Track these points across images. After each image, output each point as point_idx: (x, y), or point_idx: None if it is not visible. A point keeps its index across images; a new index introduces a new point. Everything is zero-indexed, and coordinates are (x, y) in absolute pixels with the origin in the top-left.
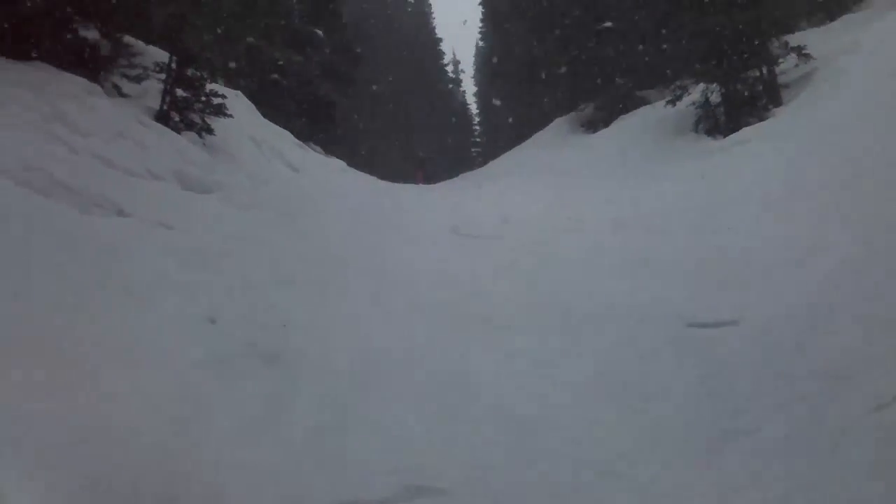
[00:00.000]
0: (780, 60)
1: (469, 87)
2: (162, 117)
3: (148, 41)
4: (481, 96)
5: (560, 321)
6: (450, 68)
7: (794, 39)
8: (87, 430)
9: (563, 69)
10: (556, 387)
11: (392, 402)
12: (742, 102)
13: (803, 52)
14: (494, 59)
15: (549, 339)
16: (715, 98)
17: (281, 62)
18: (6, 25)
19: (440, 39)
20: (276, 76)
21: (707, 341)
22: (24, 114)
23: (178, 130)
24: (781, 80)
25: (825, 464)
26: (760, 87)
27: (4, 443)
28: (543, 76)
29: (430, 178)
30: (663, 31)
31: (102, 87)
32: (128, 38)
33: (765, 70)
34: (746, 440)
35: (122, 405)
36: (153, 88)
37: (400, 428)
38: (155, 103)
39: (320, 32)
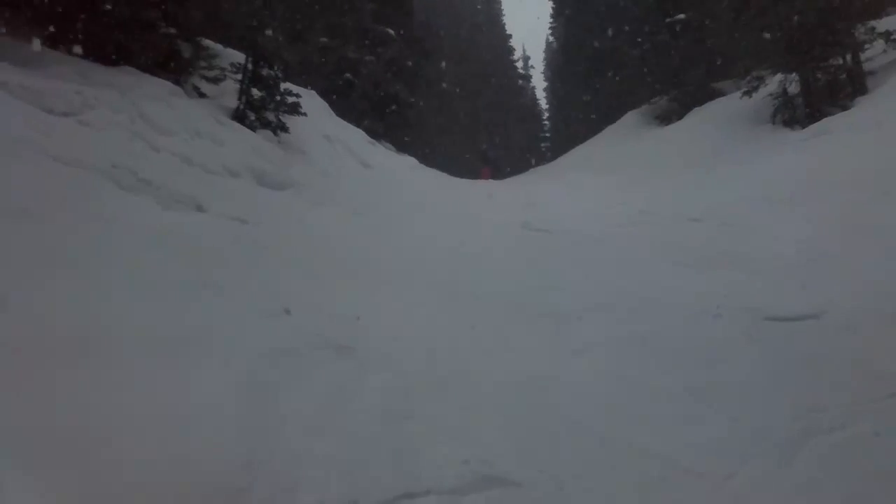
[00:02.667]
0: (866, 46)
1: (539, 83)
2: (238, 116)
3: (226, 44)
4: (551, 91)
5: (633, 316)
6: (519, 64)
7: (881, 24)
8: (161, 418)
9: (635, 62)
10: (630, 383)
11: (463, 396)
12: (823, 92)
13: (892, 37)
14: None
15: (622, 334)
16: (793, 88)
17: (353, 61)
18: (96, 32)
19: (510, 35)
20: (348, 75)
21: (786, 335)
22: (111, 115)
23: (253, 129)
24: (867, 67)
25: None
26: (844, 75)
27: (105, 417)
28: (615, 69)
29: (496, 174)
30: (741, 19)
31: (183, 88)
32: (206, 42)
33: (849, 57)
34: (830, 438)
35: (195, 393)
36: (230, 89)
37: (471, 421)
38: (232, 103)
39: (391, 31)
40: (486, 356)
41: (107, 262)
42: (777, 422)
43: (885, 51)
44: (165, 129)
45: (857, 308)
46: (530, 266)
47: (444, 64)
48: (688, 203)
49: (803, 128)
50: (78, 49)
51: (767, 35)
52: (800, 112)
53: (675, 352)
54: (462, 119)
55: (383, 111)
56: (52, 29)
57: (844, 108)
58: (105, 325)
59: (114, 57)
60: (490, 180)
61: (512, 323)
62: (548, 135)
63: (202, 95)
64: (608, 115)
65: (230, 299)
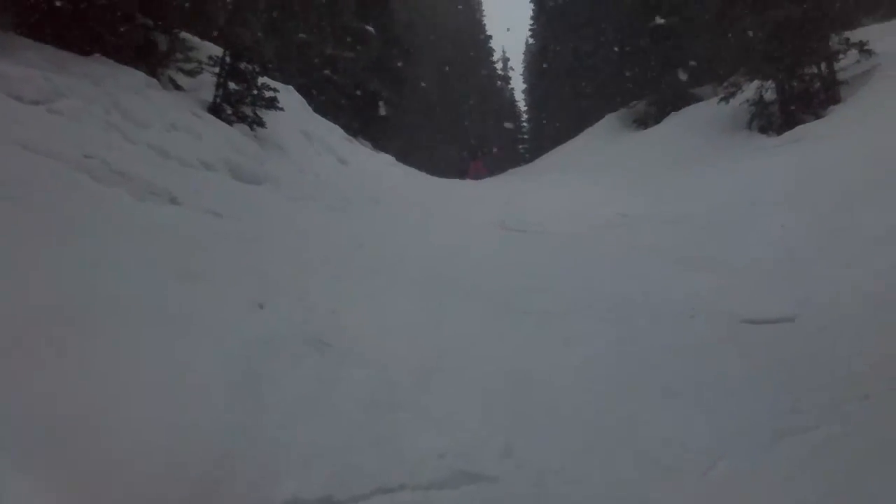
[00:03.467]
0: (840, 56)
1: (518, 84)
2: (215, 110)
3: (203, 37)
4: (530, 93)
5: (612, 316)
6: (499, 65)
7: (855, 35)
8: (139, 406)
9: (614, 65)
10: (608, 380)
11: (443, 390)
12: (798, 100)
13: (865, 47)
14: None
15: (601, 334)
16: (770, 95)
17: (332, 58)
18: (71, 21)
19: (490, 37)
20: (327, 72)
21: (762, 338)
22: (84, 105)
23: (230, 123)
24: (841, 76)
25: (888, 460)
26: (818, 84)
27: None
28: (594, 72)
29: (486, 170)
30: (718, 27)
31: (159, 80)
32: (184, 34)
33: (823, 66)
34: (803, 437)
35: (171, 383)
36: (207, 82)
37: (450, 415)
38: (209, 96)
39: (371, 29)
40: (468, 352)
41: (80, 250)
42: (754, 421)
43: (858, 61)
44: (141, 120)
45: (831, 311)
46: (511, 265)
47: (423, 62)
48: (666, 206)
49: (778, 134)
50: (49, 37)
51: (750, 34)
52: (775, 119)
53: (653, 352)
54: (441, 118)
55: (361, 109)
56: (22, 15)
57: (818, 116)
58: (79, 312)
59: (88, 47)
60: (480, 177)
61: (494, 320)
62: (526, 136)
63: (178, 88)
64: (586, 118)
65: (206, 290)
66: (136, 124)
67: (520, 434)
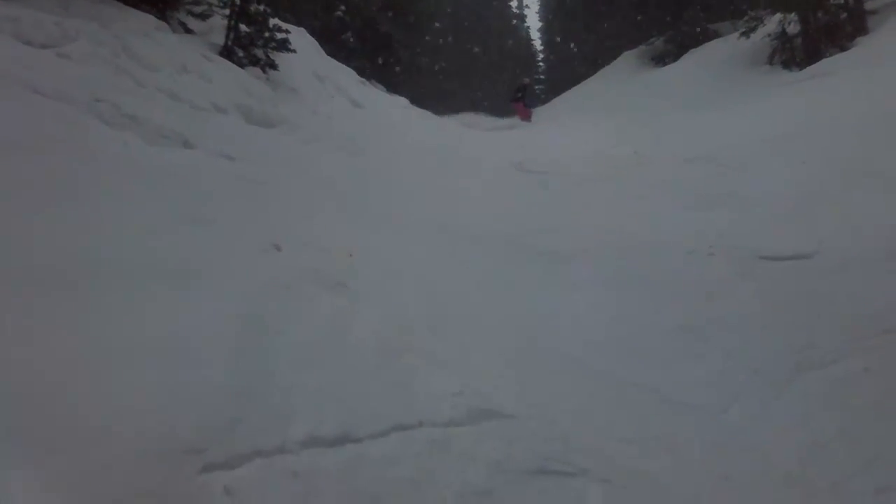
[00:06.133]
0: None
1: (534, 23)
2: (226, 52)
3: None
4: (546, 31)
5: (629, 255)
6: (514, 3)
7: None
8: (153, 349)
9: (632, 2)
10: (623, 321)
11: (456, 334)
12: (823, 32)
13: None
14: None
15: (618, 273)
16: (793, 28)
17: None
18: None
19: None
20: (339, 13)
21: (781, 274)
22: (93, 48)
23: (242, 66)
24: (869, 6)
25: None
26: (844, 15)
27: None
28: (611, 8)
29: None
30: None
31: (169, 23)
32: None
33: None
34: (822, 373)
35: (188, 325)
36: (218, 25)
37: (464, 358)
38: (220, 39)
39: None
40: (482, 293)
41: (93, 195)
42: (771, 358)
43: None
44: (150, 64)
45: (850, 248)
46: (526, 207)
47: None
48: (683, 144)
49: (801, 69)
50: None
51: None
52: (798, 53)
53: (670, 290)
54: (456, 60)
55: (374, 51)
56: None
57: (843, 48)
58: (94, 256)
59: None
60: (524, 119)
61: (509, 262)
62: (542, 77)
63: (189, 31)
64: (604, 57)
65: (221, 234)
66: (146, 68)
67: (533, 376)
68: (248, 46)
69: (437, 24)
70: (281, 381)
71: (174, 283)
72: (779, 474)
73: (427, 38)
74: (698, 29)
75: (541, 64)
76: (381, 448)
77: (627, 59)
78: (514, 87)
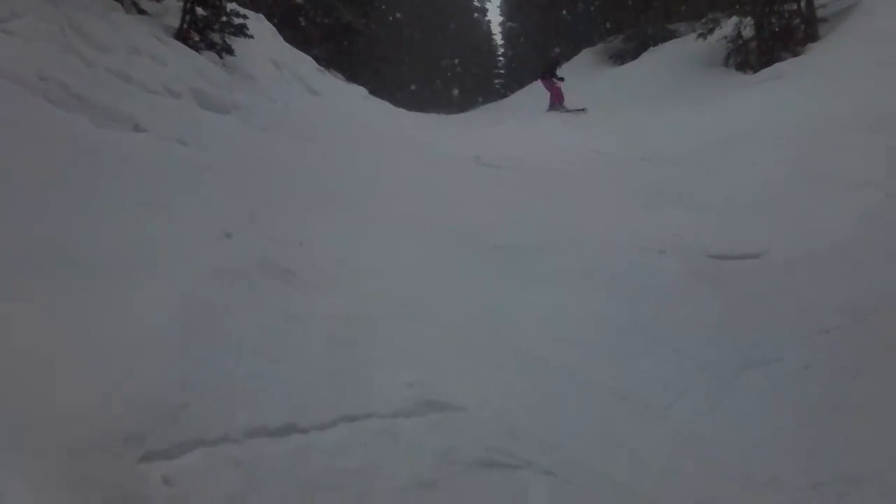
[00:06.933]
0: None
1: (494, 17)
2: (181, 36)
3: None
4: (506, 26)
5: (584, 251)
6: None
7: None
8: (97, 337)
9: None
10: (577, 316)
11: (411, 325)
12: (776, 37)
13: None
14: None
15: (573, 269)
16: (748, 32)
17: None
18: None
19: None
20: (298, 0)
21: (728, 273)
22: (41, 25)
23: (197, 50)
24: (820, 13)
25: (844, 391)
26: (797, 21)
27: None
28: (571, 6)
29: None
30: None
31: (122, 3)
32: None
33: (803, 2)
34: (766, 370)
35: (135, 312)
36: (173, 6)
37: (418, 350)
38: (175, 21)
39: None
40: (438, 285)
41: (37, 178)
42: (717, 355)
43: None
44: (101, 43)
45: (796, 248)
46: (485, 201)
47: None
48: (640, 143)
49: (755, 72)
50: None
51: None
52: (753, 56)
53: (622, 286)
54: (416, 51)
55: (334, 39)
56: None
57: (796, 53)
58: (36, 241)
59: None
60: (557, 104)
61: (465, 254)
62: (502, 71)
63: (142, 12)
64: (564, 53)
65: (171, 220)
66: (95, 47)
67: (486, 369)
68: (205, 30)
69: (398, 15)
70: (227, 369)
71: (120, 269)
72: (721, 469)
73: (387, 27)
74: (656, 29)
75: (500, 59)
76: (327, 438)
77: (587, 56)
78: (546, 62)
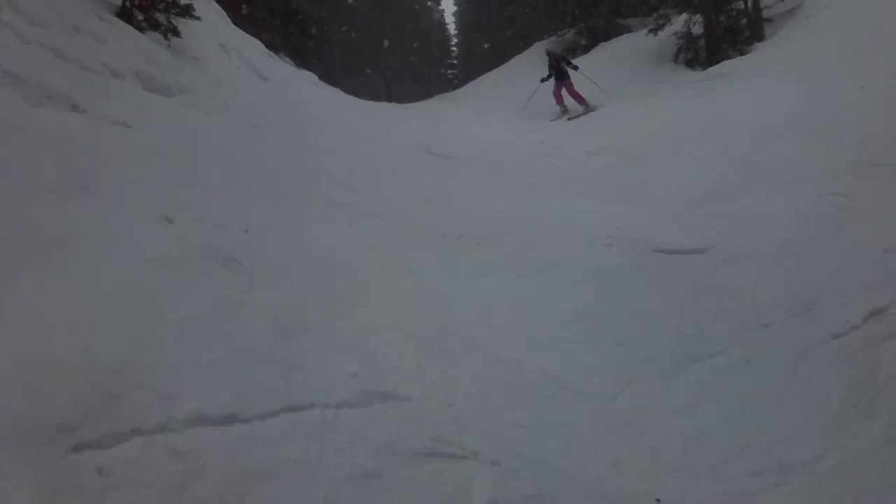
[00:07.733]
0: None
1: (448, 7)
2: (124, 14)
3: None
4: (460, 16)
5: (530, 243)
6: None
7: None
8: (29, 322)
9: None
10: (521, 306)
11: (355, 314)
12: (724, 35)
13: None
14: None
15: (519, 260)
16: (697, 29)
17: None
18: None
19: None
20: None
21: (674, 267)
22: None
23: (141, 30)
24: (766, 13)
25: (782, 384)
26: (744, 20)
27: None
28: None
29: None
30: None
31: None
32: None
33: (750, 2)
34: (708, 363)
35: (69, 298)
36: None
37: (362, 338)
38: (117, 0)
39: None
40: (385, 274)
41: None
42: (661, 347)
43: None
44: (36, 19)
45: (741, 243)
46: (432, 189)
47: None
48: (590, 136)
49: (704, 69)
50: None
51: None
52: (702, 53)
53: (569, 278)
54: (367, 39)
55: (283, 24)
56: None
57: (742, 52)
58: None
59: None
60: (578, 101)
61: (412, 245)
62: (455, 62)
63: None
64: (516, 45)
65: (110, 204)
66: (31, 23)
67: (432, 359)
68: (149, 9)
69: (350, 1)
70: (167, 357)
71: (56, 253)
72: (664, 459)
73: (340, 14)
74: (609, 23)
75: (454, 49)
76: (270, 428)
77: (539, 49)
78: (551, 63)
